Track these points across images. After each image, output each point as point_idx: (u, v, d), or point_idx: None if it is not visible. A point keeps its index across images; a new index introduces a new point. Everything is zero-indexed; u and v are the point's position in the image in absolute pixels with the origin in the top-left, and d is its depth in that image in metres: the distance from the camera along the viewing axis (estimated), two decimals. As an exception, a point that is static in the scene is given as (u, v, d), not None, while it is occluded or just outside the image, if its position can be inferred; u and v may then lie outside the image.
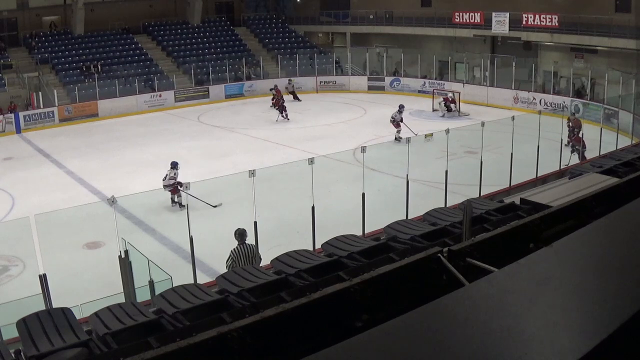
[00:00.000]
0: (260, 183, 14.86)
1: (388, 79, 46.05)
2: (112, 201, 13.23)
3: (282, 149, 28.39)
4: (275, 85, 39.45)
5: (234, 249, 12.52)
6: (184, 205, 18.29)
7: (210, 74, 45.39)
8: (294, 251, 8.74)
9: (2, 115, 38.81)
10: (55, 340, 6.32)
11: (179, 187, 19.92)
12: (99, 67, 44.47)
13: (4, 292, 13.71)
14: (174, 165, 21.24)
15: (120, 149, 30.70)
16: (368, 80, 46.80)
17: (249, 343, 3.39)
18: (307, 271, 7.70)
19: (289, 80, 44.18)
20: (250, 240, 13.14)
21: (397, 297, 3.73)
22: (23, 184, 25.73)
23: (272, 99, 37.33)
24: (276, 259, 8.59)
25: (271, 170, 18.70)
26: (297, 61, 47.78)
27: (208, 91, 44.57)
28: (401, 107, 30.34)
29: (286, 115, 36.17)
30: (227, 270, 9.71)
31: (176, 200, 20.57)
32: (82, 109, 39.99)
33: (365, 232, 15.37)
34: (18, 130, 38.07)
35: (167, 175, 21.05)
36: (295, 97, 42.75)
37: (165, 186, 20.50)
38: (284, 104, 36.67)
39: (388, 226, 9.91)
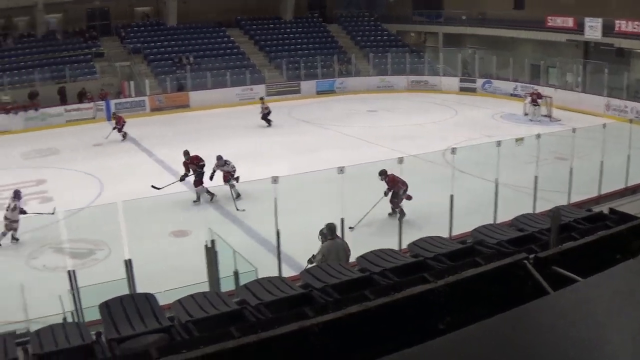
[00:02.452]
0: (349, 180, 14.82)
1: (480, 81, 45.23)
2: (202, 192, 13.42)
3: (372, 147, 28.16)
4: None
5: (324, 243, 12.39)
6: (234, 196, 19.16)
7: (301, 69, 45.55)
8: (379, 250, 8.66)
9: (93, 103, 39.67)
10: (137, 324, 6.36)
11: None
12: (191, 58, 45.07)
13: (88, 275, 13.94)
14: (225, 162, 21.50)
15: (209, 140, 30.93)
16: (460, 81, 46.09)
17: (329, 339, 3.37)
18: (392, 271, 7.60)
19: (261, 98, 38.01)
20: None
21: (481, 302, 3.66)
22: (112, 170, 26.20)
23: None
24: (361, 256, 8.53)
25: (360, 167, 18.61)
26: (389, 60, 47.44)
27: (299, 86, 44.72)
28: None
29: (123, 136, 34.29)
30: (315, 265, 9.70)
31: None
32: (173, 99, 40.61)
33: (452, 234, 15.20)
34: (109, 118, 38.84)
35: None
36: (265, 119, 35.22)
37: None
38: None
39: (475, 230, 9.74)
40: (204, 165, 21.49)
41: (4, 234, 18.88)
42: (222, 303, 6.76)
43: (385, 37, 52.45)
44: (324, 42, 50.57)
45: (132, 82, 41.93)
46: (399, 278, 7.17)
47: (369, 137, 30.57)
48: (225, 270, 11.90)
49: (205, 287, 10.68)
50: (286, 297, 6.89)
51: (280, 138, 30.76)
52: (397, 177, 17.82)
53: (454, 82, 46.21)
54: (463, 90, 45.23)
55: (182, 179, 21.50)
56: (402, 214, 17.68)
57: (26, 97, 39.90)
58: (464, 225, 13.61)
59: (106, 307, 6.76)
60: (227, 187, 20.53)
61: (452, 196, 16.21)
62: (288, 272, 13.59)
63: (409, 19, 53.33)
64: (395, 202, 18.11)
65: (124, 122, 33.38)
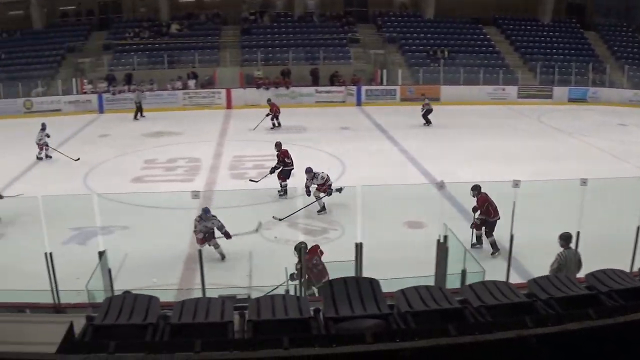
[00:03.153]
0: (590, 193, 14.05)
1: None
2: (440, 185, 13.13)
3: (618, 163, 26.66)
4: (269, 99, 36.31)
5: (560, 252, 11.95)
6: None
7: (555, 74, 44.04)
8: (611, 269, 8.12)
9: (345, 87, 40.40)
10: (357, 307, 6.25)
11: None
12: (446, 52, 44.82)
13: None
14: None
15: (456, 135, 30.64)
16: None
17: (545, 351, 3.14)
18: (619, 292, 7.09)
19: (422, 94, 36.96)
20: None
21: None
22: (355, 154, 26.54)
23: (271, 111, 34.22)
24: (591, 273, 8.02)
25: (602, 182, 17.65)
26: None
27: (552, 92, 43.16)
28: None
29: (277, 124, 33.99)
30: (549, 274, 9.26)
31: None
32: (424, 91, 40.66)
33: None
34: (358, 103, 39.49)
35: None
36: (425, 118, 33.87)
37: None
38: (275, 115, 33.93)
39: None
40: (291, 162, 21.76)
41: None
42: (445, 299, 6.53)
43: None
44: (580, 49, 48.20)
45: (384, 71, 42.36)
46: (625, 301, 6.66)
47: (616, 151, 28.92)
48: (453, 267, 11.64)
49: (431, 282, 10.45)
50: (508, 304, 6.56)
51: (526, 142, 29.76)
52: (491, 200, 16.36)
53: None
54: None
55: (272, 171, 21.68)
56: (479, 243, 16.46)
57: (278, 74, 41.38)
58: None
59: (329, 285, 6.72)
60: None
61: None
62: (515, 279, 13.12)
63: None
64: (478, 224, 16.68)
65: (279, 111, 33.67)
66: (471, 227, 16.44)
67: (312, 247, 13.71)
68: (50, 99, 41.05)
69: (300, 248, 11.88)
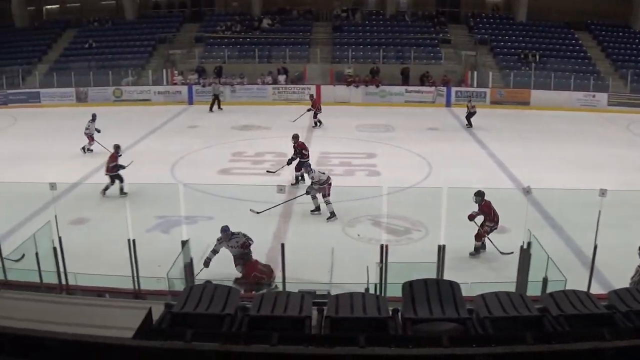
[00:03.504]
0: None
1: None
2: (527, 191, 12.95)
3: None
4: (311, 95, 36.13)
5: None
6: None
7: (645, 82, 42.75)
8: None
9: (435, 87, 40.15)
10: (435, 309, 6.19)
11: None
12: (537, 56, 44.11)
13: (399, 252, 14.05)
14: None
15: (544, 141, 30.06)
16: None
17: None
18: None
19: (469, 97, 37.48)
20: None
21: None
22: (443, 156, 26.31)
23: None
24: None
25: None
26: None
27: (644, 100, 42.00)
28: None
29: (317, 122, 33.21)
30: (629, 286, 9.05)
31: None
32: (514, 94, 40.01)
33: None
34: (448, 104, 39.21)
35: None
36: (468, 120, 33.78)
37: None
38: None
39: None
40: (307, 155, 22.05)
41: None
42: (524, 307, 6.42)
43: None
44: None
45: (475, 72, 41.93)
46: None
47: None
48: (534, 274, 11.46)
49: (511, 288, 10.30)
50: (588, 314, 6.42)
51: (614, 150, 28.95)
52: (494, 208, 15.89)
53: None
54: None
55: (289, 162, 22.03)
56: (482, 249, 15.93)
57: (368, 73, 41.37)
58: None
59: (409, 286, 6.67)
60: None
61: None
62: (596, 289, 12.84)
63: None
64: (481, 233, 16.15)
65: (320, 109, 33.29)
66: (481, 237, 16.01)
67: (250, 263, 13.72)
68: (140, 88, 41.99)
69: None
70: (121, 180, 20.68)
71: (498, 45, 45.54)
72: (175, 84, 42.06)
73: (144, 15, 51.26)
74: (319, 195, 18.68)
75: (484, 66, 43.00)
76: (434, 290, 6.59)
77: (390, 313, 6.17)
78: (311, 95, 35.46)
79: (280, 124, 32.82)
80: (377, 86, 40.62)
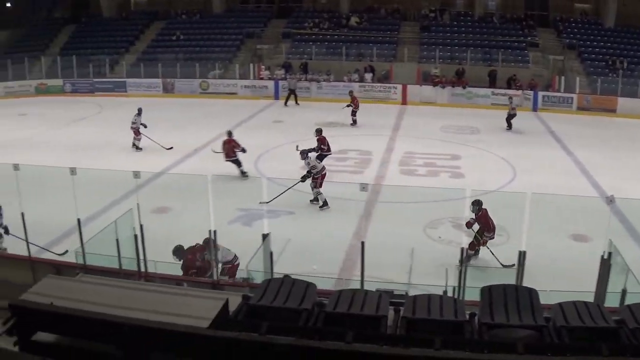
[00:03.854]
0: None
1: None
2: (610, 200, 12.68)
3: None
4: (351, 91, 35.15)
5: None
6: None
7: None
8: None
9: (521, 91, 39.65)
10: (512, 316, 6.15)
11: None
12: (625, 63, 43.09)
13: (480, 258, 14.00)
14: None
15: (631, 149, 29.47)
16: None
17: None
18: None
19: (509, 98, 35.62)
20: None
21: None
22: (527, 160, 25.94)
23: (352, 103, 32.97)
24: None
25: None
26: None
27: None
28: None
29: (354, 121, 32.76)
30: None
31: None
32: (600, 101, 39.09)
33: None
34: (534, 108, 38.70)
35: None
36: (508, 122, 33.40)
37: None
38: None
39: None
40: (327, 149, 22.85)
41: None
42: (601, 318, 6.32)
43: None
44: None
45: (562, 77, 41.24)
46: None
47: None
48: (614, 285, 11.27)
49: (590, 298, 10.15)
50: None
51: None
52: (490, 217, 15.53)
53: None
54: None
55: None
56: (475, 255, 15.58)
57: (454, 73, 41.12)
58: None
59: (488, 291, 6.64)
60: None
61: None
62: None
63: None
64: (474, 243, 15.68)
65: (358, 107, 33.09)
66: (475, 247, 15.83)
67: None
68: (227, 81, 42.58)
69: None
70: (239, 164, 22.14)
71: (586, 51, 44.54)
72: (262, 78, 42.48)
73: (231, 10, 51.92)
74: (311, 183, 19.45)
75: (572, 71, 42.20)
76: (512, 296, 6.55)
77: (468, 317, 6.16)
78: (350, 92, 35.22)
79: (365, 122, 32.84)
80: (464, 87, 40.35)
